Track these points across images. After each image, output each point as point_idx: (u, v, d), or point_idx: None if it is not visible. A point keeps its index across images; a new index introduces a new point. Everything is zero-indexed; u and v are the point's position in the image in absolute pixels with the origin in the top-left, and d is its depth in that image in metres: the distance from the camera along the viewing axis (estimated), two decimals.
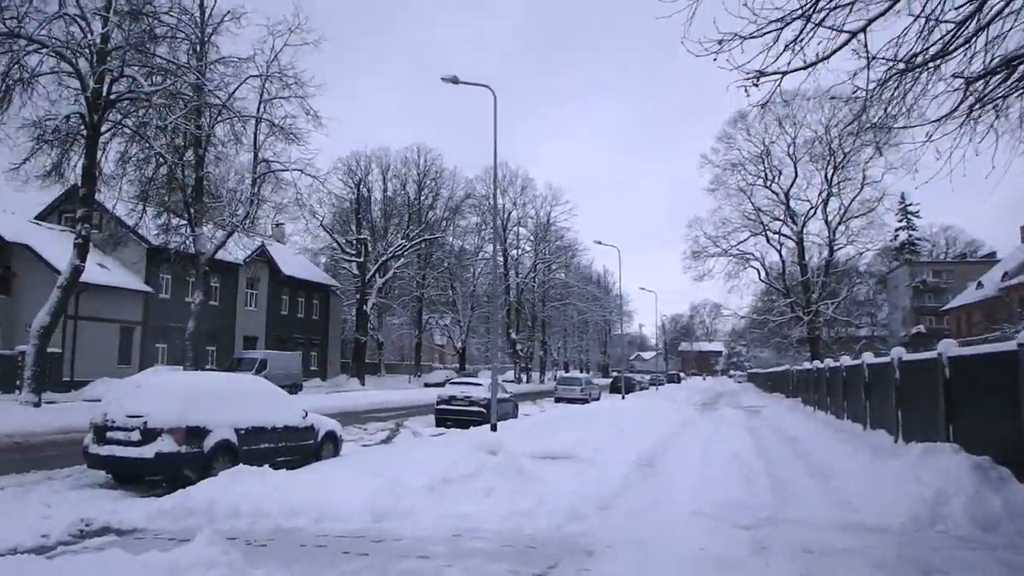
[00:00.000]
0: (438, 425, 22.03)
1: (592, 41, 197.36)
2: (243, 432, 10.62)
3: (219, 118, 22.72)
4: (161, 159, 21.18)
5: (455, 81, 18.12)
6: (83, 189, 20.05)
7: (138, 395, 10.12)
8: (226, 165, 23.96)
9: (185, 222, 22.98)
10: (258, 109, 23.65)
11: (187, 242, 23.41)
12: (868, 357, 16.14)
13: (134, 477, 10.16)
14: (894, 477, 9.67)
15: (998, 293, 51.65)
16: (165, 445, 9.49)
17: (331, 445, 12.93)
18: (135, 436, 9.59)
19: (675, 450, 15.09)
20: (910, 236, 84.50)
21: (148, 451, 9.45)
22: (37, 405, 19.82)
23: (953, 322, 63.95)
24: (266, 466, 9.43)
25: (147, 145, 20.10)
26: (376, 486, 8.53)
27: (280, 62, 23.84)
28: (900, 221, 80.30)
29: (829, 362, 22.98)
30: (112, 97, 19.57)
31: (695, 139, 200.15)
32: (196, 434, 9.84)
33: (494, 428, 16.37)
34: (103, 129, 19.65)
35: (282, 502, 8.16)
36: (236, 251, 27.48)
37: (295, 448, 11.82)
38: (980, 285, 58.59)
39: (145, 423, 9.59)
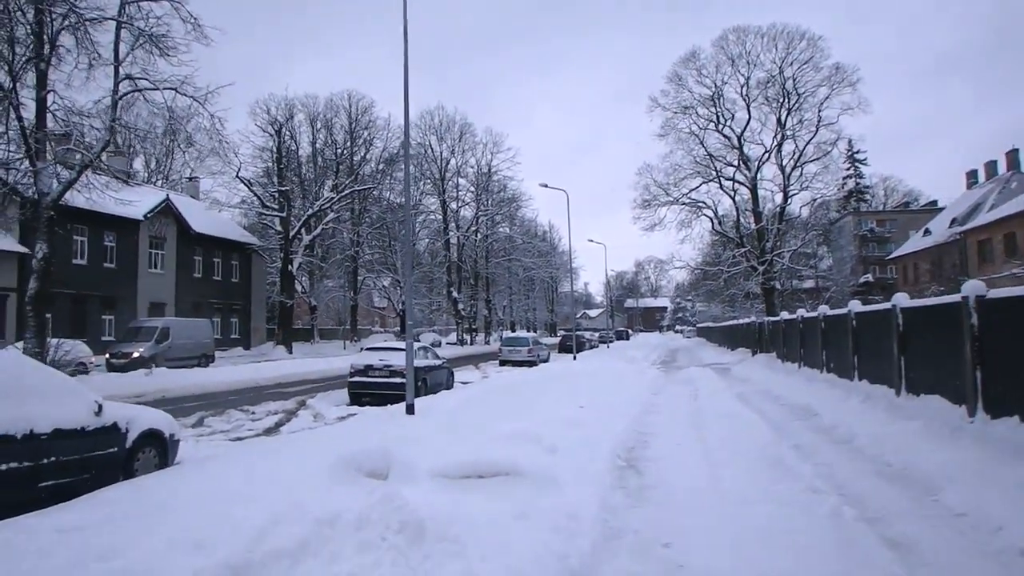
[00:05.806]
0: (352, 402, 18.07)
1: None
2: None
3: (64, 22, 17.68)
4: None
5: None
6: None
7: None
8: (79, 85, 18.88)
9: (22, 156, 17.92)
10: (120, 12, 18.59)
11: (26, 180, 18.32)
12: (902, 299, 12.75)
13: None
14: None
15: (950, 239, 50.54)
16: None
17: (153, 451, 8.66)
18: None
19: (661, 436, 11.04)
20: (858, 184, 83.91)
21: None
22: None
23: (900, 270, 64.08)
24: None
25: None
26: None
27: None
28: (848, 169, 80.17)
29: (824, 310, 19.60)
30: None
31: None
32: None
33: (410, 410, 12.40)
34: None
35: None
36: (130, 204, 22.07)
37: (79, 463, 7.48)
38: (928, 232, 58.42)
39: None
